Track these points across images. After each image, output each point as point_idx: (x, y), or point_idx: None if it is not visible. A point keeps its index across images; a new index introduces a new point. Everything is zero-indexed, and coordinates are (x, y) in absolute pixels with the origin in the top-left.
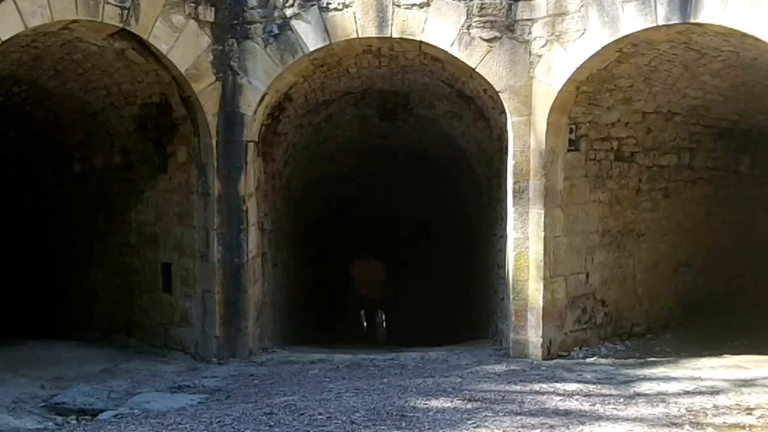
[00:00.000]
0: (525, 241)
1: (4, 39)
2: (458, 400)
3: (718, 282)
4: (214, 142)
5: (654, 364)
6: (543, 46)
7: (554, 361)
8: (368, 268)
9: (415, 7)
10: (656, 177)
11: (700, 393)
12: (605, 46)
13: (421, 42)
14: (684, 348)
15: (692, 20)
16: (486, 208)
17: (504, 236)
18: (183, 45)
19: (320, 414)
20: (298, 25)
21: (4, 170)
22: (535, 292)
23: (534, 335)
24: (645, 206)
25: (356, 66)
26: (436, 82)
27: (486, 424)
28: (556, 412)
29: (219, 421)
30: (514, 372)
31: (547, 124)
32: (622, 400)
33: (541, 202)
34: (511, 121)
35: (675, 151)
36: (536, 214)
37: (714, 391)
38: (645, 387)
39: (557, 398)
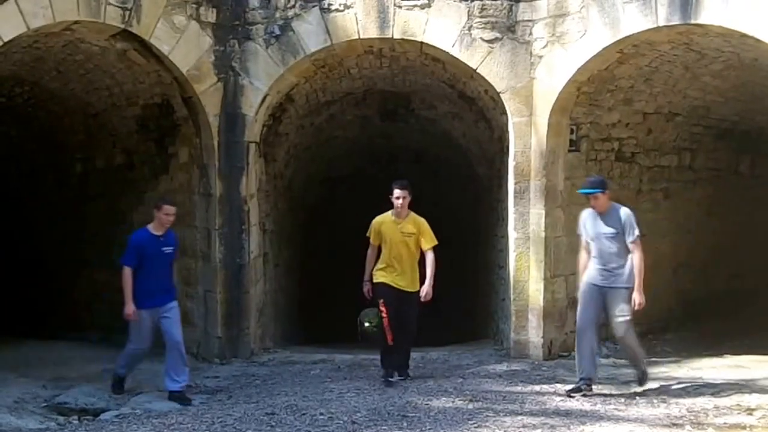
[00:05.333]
0: (526, 241)
1: (6, 40)
2: (459, 400)
3: (719, 282)
4: (215, 143)
5: (655, 364)
6: (544, 47)
7: (555, 361)
8: (399, 235)
9: (416, 8)
10: (657, 177)
11: (701, 393)
12: (606, 47)
13: (422, 43)
14: (685, 348)
15: (693, 21)
16: (487, 209)
17: (505, 236)
18: (184, 46)
19: (322, 414)
20: (300, 26)
21: (6, 170)
22: (535, 292)
23: (535, 335)
24: (646, 207)
25: (357, 67)
26: (437, 82)
27: (487, 424)
28: (557, 413)
29: (221, 421)
30: (515, 372)
31: (548, 124)
32: (623, 400)
33: (542, 203)
34: (512, 122)
35: (676, 151)
36: (537, 215)
37: (715, 392)
38: (646, 387)
39: (558, 398)
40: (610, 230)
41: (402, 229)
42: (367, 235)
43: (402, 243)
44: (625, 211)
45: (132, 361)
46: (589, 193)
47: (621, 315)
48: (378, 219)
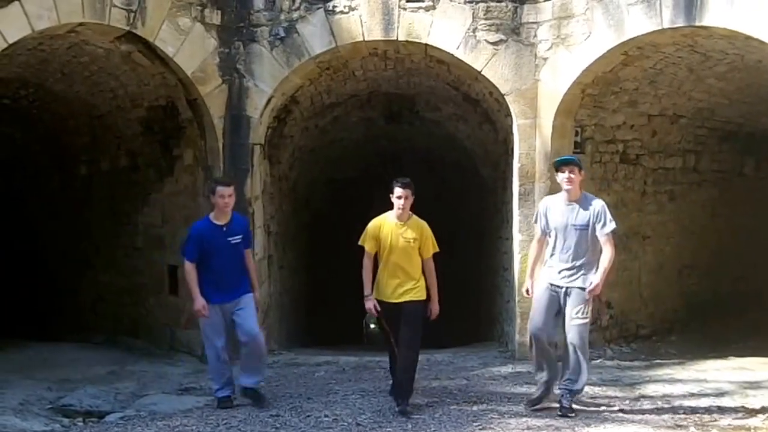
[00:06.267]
0: (530, 243)
1: (11, 42)
2: (464, 402)
3: (723, 284)
4: (220, 145)
5: (659, 366)
6: (548, 49)
7: (559, 363)
8: (401, 240)
9: (421, 10)
10: (661, 179)
11: (706, 395)
12: (611, 49)
13: (426, 45)
14: (689, 350)
15: (697, 23)
16: (492, 211)
17: (510, 238)
18: (189, 48)
19: (326, 416)
20: (304, 28)
21: (11, 172)
22: None
23: None
24: (650, 208)
25: (362, 69)
26: (441, 84)
27: (492, 426)
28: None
29: (225, 423)
30: (520, 374)
31: (553, 126)
32: (627, 402)
33: None
34: (517, 124)
35: (680, 153)
36: None
37: (719, 394)
38: (650, 389)
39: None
40: (582, 221)
41: (404, 233)
42: (360, 243)
43: (404, 249)
44: (599, 201)
45: (219, 369)
46: (567, 161)
47: (579, 317)
48: (375, 222)
